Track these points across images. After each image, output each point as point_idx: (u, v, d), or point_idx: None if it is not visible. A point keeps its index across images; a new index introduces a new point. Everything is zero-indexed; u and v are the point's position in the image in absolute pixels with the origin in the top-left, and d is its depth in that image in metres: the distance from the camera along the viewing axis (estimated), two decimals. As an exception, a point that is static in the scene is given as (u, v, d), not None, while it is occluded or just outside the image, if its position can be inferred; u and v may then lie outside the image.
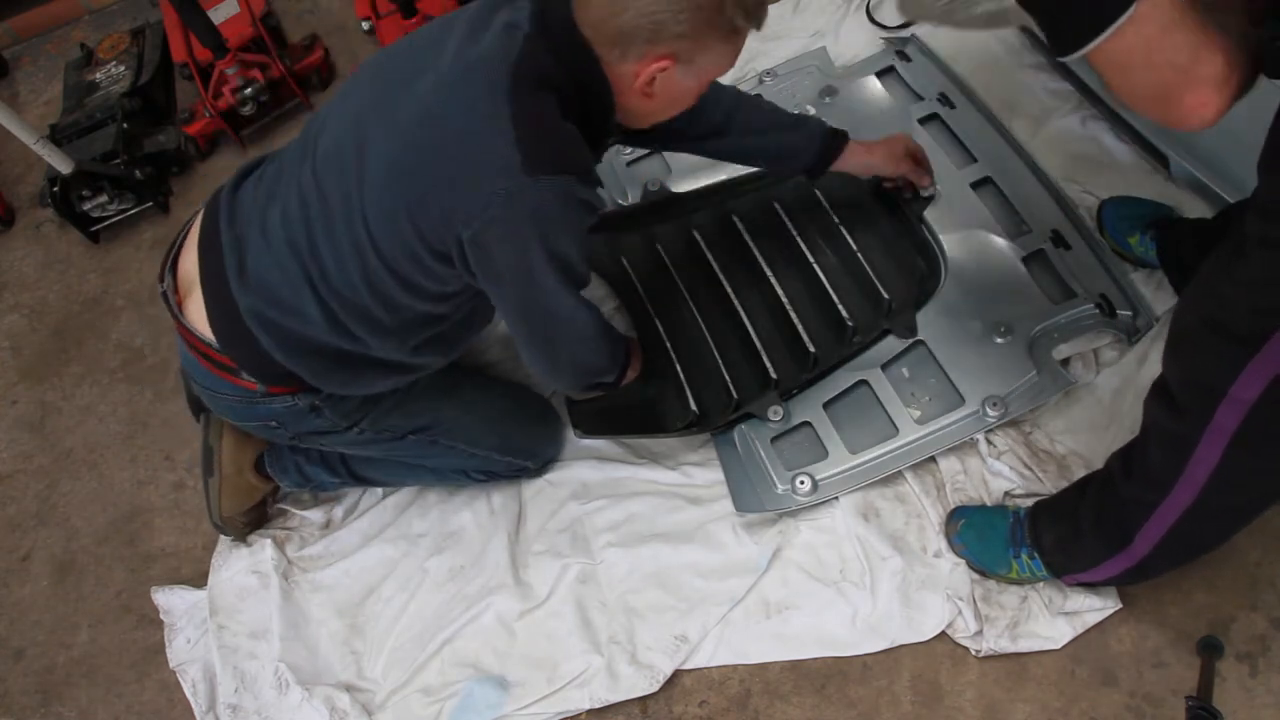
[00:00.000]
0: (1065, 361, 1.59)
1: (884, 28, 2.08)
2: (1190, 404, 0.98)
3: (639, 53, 1.10)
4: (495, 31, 1.13)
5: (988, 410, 1.51)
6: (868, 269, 1.69)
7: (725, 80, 2.09)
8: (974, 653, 1.41)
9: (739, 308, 1.71)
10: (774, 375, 1.62)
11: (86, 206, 2.27)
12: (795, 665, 1.47)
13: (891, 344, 1.63)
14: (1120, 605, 1.40)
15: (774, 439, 1.59)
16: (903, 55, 1.99)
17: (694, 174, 1.90)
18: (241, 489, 1.69)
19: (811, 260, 1.73)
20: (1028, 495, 1.49)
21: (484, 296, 1.29)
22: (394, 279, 1.23)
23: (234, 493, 1.69)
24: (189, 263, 1.36)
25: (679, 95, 1.21)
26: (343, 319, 1.28)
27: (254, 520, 1.77)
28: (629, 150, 1.99)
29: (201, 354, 1.36)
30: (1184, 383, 0.99)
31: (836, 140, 1.58)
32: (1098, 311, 1.58)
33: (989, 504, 1.50)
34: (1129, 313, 1.58)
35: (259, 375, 1.34)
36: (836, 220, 1.76)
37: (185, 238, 1.39)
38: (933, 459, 1.55)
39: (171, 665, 1.68)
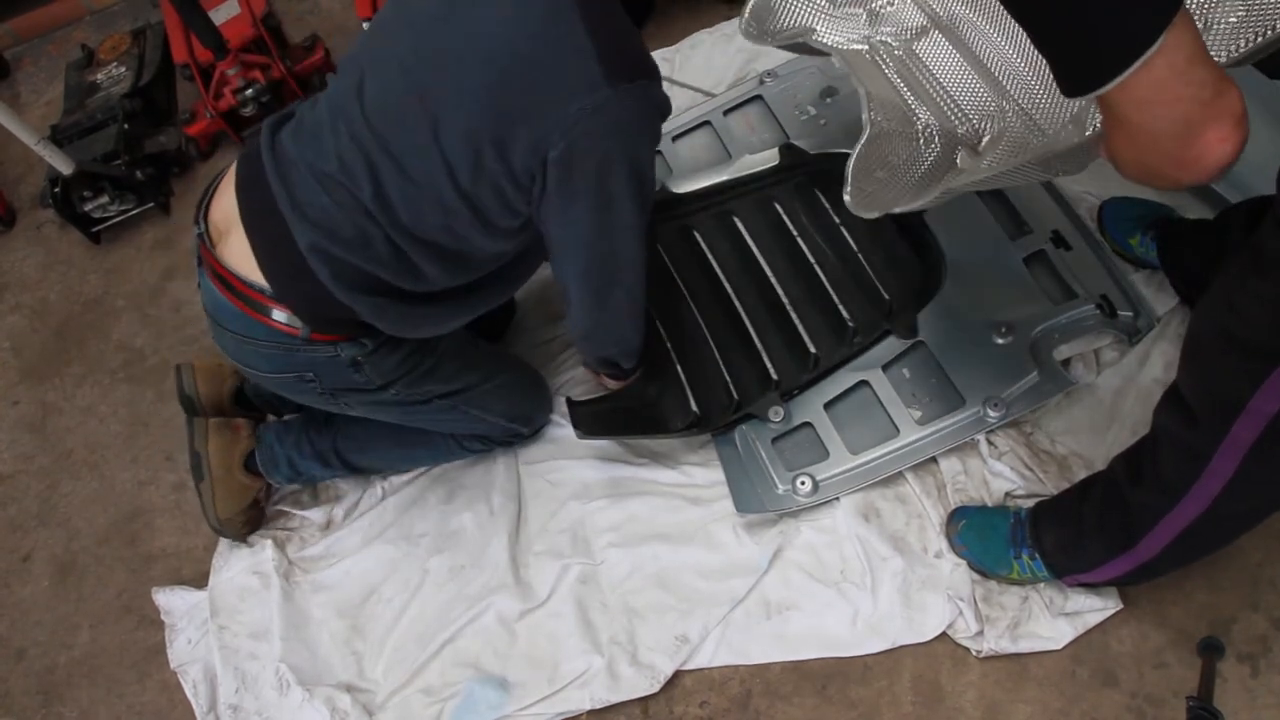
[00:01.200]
0: (1066, 362, 1.59)
1: (885, 28, 2.08)
2: (1207, 415, 0.97)
3: None
4: None
5: (988, 411, 1.51)
6: (868, 269, 1.69)
7: (727, 82, 2.12)
8: (975, 653, 1.41)
9: (739, 308, 1.71)
10: (774, 376, 1.62)
11: (88, 207, 2.27)
12: (796, 666, 1.47)
13: (892, 344, 1.63)
14: (1121, 606, 1.40)
15: (775, 439, 1.59)
16: (903, 56, 1.99)
17: (694, 175, 1.90)
18: (234, 489, 1.69)
19: (812, 261, 1.73)
20: (1029, 496, 1.49)
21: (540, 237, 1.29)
22: (474, 218, 1.22)
23: (227, 494, 1.69)
24: (225, 205, 1.31)
25: None
26: (412, 257, 1.27)
27: (252, 520, 1.77)
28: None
29: (241, 296, 1.31)
30: (1200, 395, 0.99)
31: None
32: (1098, 312, 1.58)
33: (990, 505, 1.50)
34: (1130, 313, 1.58)
35: (309, 316, 1.31)
36: (837, 221, 1.76)
37: (217, 187, 1.36)
38: (933, 459, 1.55)
39: (172, 666, 1.68)
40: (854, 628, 1.46)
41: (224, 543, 1.77)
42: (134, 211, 2.34)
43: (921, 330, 1.62)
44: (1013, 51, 1.47)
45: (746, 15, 1.61)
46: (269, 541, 1.72)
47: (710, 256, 1.80)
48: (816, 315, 1.69)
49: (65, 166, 2.16)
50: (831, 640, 1.47)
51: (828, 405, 1.61)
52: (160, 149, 2.38)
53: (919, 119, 1.46)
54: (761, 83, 2.03)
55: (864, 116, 1.37)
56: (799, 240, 1.77)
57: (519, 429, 1.72)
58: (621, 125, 1.13)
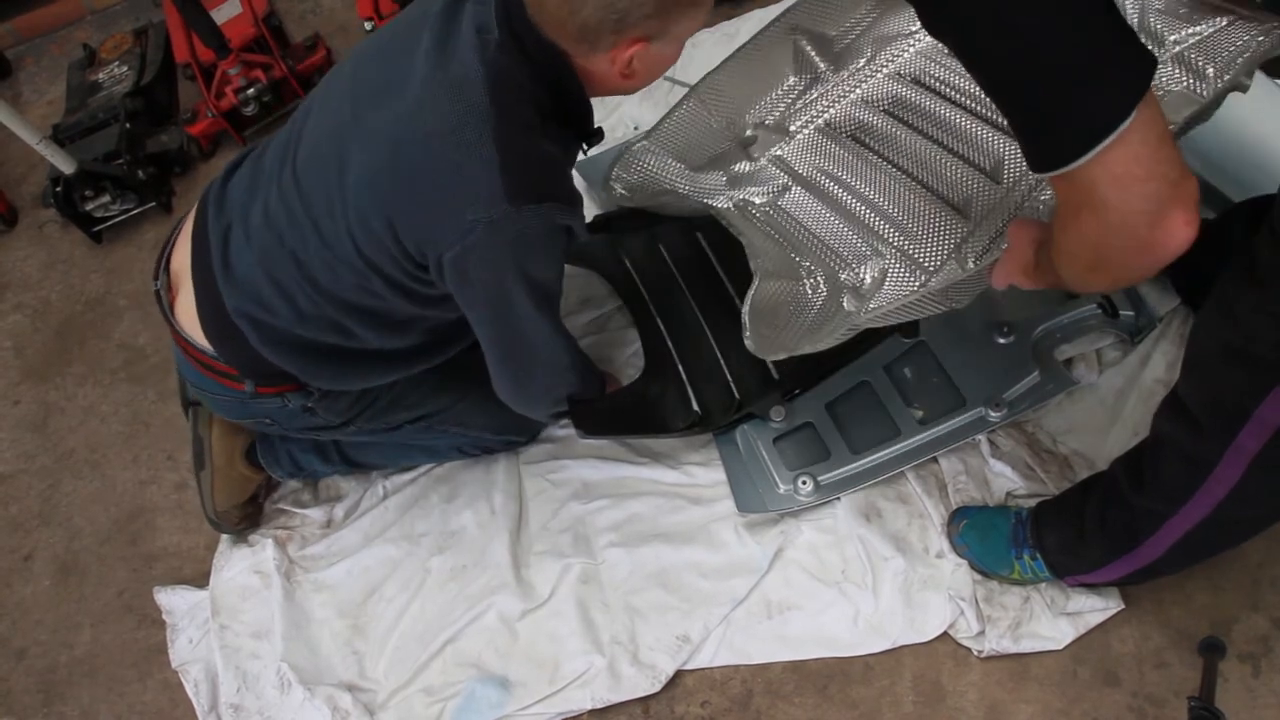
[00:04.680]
0: (1068, 362, 1.59)
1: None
2: (1211, 423, 0.97)
3: (609, 43, 1.07)
4: (467, 39, 1.10)
5: (990, 411, 1.51)
6: (870, 269, 1.69)
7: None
8: (976, 653, 1.41)
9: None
10: (776, 375, 1.62)
11: (89, 206, 2.27)
12: (797, 665, 1.47)
13: (894, 345, 1.62)
14: (1123, 606, 1.40)
15: (776, 439, 1.59)
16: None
17: (696, 174, 1.90)
18: (234, 480, 1.69)
19: (813, 260, 1.73)
20: (1030, 496, 1.49)
21: None
22: (386, 284, 1.22)
23: (226, 484, 1.69)
24: (181, 257, 1.36)
25: (660, 65, 1.17)
26: (336, 317, 1.28)
27: (250, 516, 1.77)
28: (631, 150, 1.99)
29: (192, 356, 1.37)
30: (1204, 403, 0.98)
31: None
32: (1100, 312, 1.58)
33: (991, 504, 1.50)
34: (1131, 313, 1.58)
35: (248, 373, 1.34)
36: (838, 221, 1.77)
37: (179, 234, 1.40)
38: (934, 459, 1.55)
39: (174, 665, 1.68)
40: (855, 627, 1.46)
41: (225, 542, 1.77)
42: (135, 211, 2.34)
43: (923, 330, 1.62)
44: (881, 199, 1.51)
45: (612, 180, 1.71)
46: (270, 540, 1.72)
47: (712, 255, 1.80)
48: (818, 315, 1.69)
49: (67, 166, 2.16)
50: (833, 640, 1.47)
51: (829, 405, 1.61)
52: (162, 148, 2.38)
53: (802, 265, 1.49)
54: (763, 82, 2.03)
55: (751, 264, 1.39)
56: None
57: (511, 438, 1.72)
58: (519, 243, 1.11)
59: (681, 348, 1.71)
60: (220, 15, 2.37)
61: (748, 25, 2.24)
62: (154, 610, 1.75)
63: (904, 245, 1.44)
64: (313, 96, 1.30)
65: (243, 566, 1.71)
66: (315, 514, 1.78)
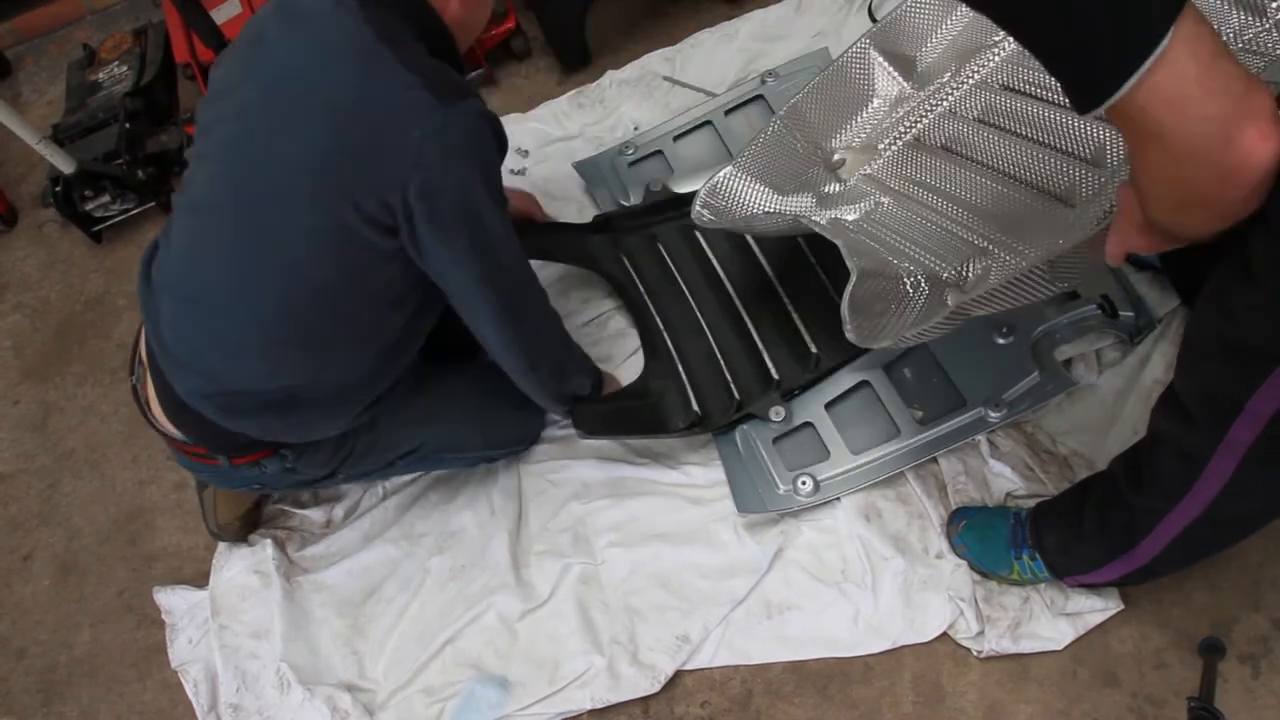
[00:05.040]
0: (1067, 362, 1.59)
1: (886, 28, 2.08)
2: (1205, 417, 0.97)
3: None
4: (327, 12, 1.15)
5: (989, 411, 1.51)
6: (870, 269, 1.69)
7: (728, 81, 2.12)
8: (976, 653, 1.41)
9: (741, 308, 1.71)
10: (776, 375, 1.62)
11: (89, 206, 2.27)
12: (797, 666, 1.47)
13: (894, 344, 1.63)
14: (1122, 606, 1.40)
15: (776, 439, 1.59)
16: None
17: (696, 174, 1.90)
18: (235, 495, 1.70)
19: (813, 260, 1.73)
20: (1030, 496, 1.49)
21: (425, 290, 1.28)
22: (351, 289, 1.22)
23: (228, 499, 1.70)
24: (144, 346, 1.37)
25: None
26: (288, 358, 1.26)
27: (250, 522, 1.77)
28: (631, 151, 1.99)
29: (170, 443, 1.39)
30: (1198, 397, 0.98)
31: None
32: (1100, 312, 1.58)
33: (990, 505, 1.50)
34: (1131, 314, 1.58)
35: (217, 449, 1.35)
36: (838, 221, 1.76)
37: (142, 325, 1.39)
38: (934, 459, 1.55)
39: (173, 665, 1.68)
40: (855, 628, 1.47)
41: (224, 542, 1.77)
42: (135, 211, 2.34)
43: (923, 330, 1.62)
44: (979, 200, 1.48)
45: (698, 206, 1.66)
46: (269, 541, 1.72)
47: (711, 256, 1.80)
48: (817, 314, 1.69)
49: (67, 166, 2.16)
50: (832, 640, 1.47)
51: (829, 405, 1.61)
52: (162, 148, 2.38)
53: (901, 266, 1.47)
54: (763, 82, 2.03)
55: (848, 263, 1.38)
56: (800, 239, 1.77)
57: (513, 449, 1.72)
58: (469, 139, 1.15)
59: (681, 348, 1.71)
60: (220, 15, 2.37)
61: (747, 25, 2.24)
62: (154, 610, 1.75)
63: (1007, 240, 1.39)
64: (192, 159, 1.31)
65: (242, 566, 1.71)
66: (315, 514, 1.78)
